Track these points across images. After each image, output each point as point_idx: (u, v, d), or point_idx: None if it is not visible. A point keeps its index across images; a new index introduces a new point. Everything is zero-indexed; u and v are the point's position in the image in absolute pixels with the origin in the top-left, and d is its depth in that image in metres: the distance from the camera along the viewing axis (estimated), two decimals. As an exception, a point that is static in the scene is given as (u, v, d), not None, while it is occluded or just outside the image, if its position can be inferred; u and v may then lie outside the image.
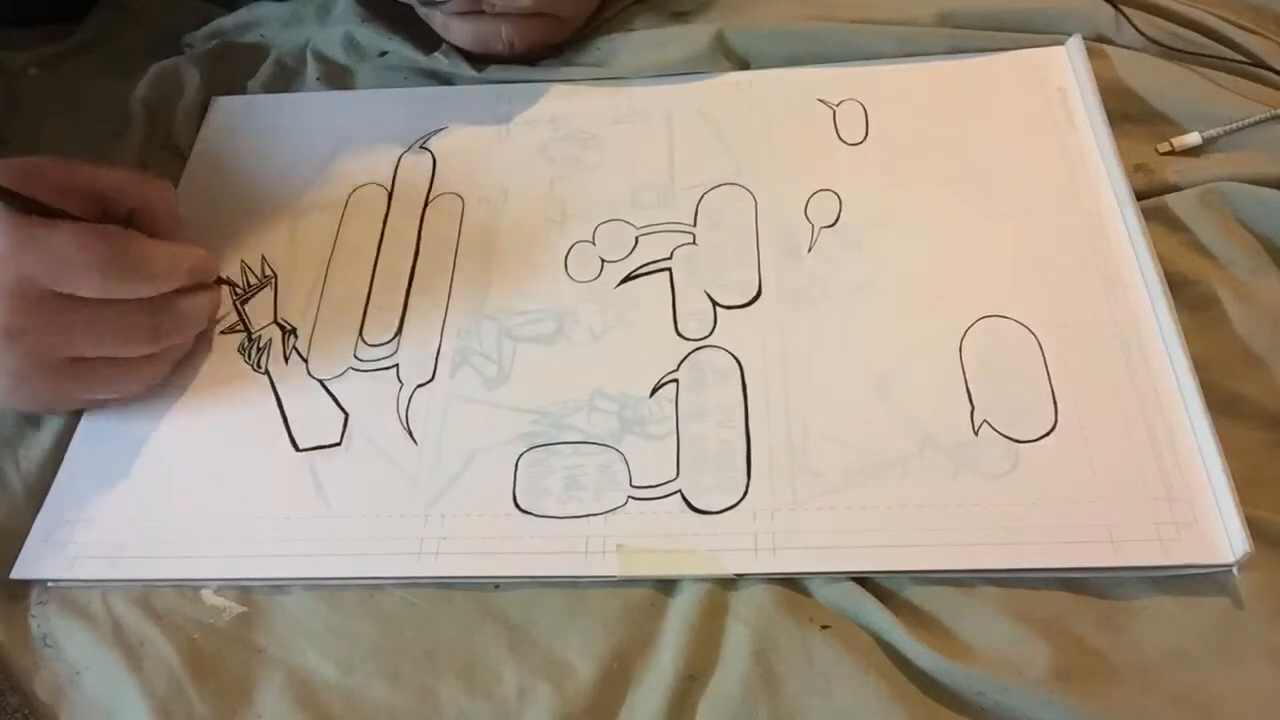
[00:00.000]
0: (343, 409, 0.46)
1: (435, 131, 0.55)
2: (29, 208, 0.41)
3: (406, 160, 0.55)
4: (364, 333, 0.48)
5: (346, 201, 0.53)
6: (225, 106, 0.58)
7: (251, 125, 0.57)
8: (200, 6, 0.64)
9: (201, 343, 0.49)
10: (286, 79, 0.59)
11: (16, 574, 0.43)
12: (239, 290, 0.50)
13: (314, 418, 0.46)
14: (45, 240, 0.40)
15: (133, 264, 0.42)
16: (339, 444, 0.45)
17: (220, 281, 0.50)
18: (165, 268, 0.43)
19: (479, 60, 0.57)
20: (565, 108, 0.55)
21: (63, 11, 0.62)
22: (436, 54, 0.57)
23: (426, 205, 0.53)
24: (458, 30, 0.55)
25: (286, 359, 0.48)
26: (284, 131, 0.56)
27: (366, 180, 0.54)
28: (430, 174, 0.54)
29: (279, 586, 0.42)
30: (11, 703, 0.39)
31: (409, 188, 0.53)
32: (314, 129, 0.56)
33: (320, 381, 0.47)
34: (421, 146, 0.55)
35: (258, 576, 0.42)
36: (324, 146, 0.55)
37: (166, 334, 0.44)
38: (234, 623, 0.41)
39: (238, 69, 0.60)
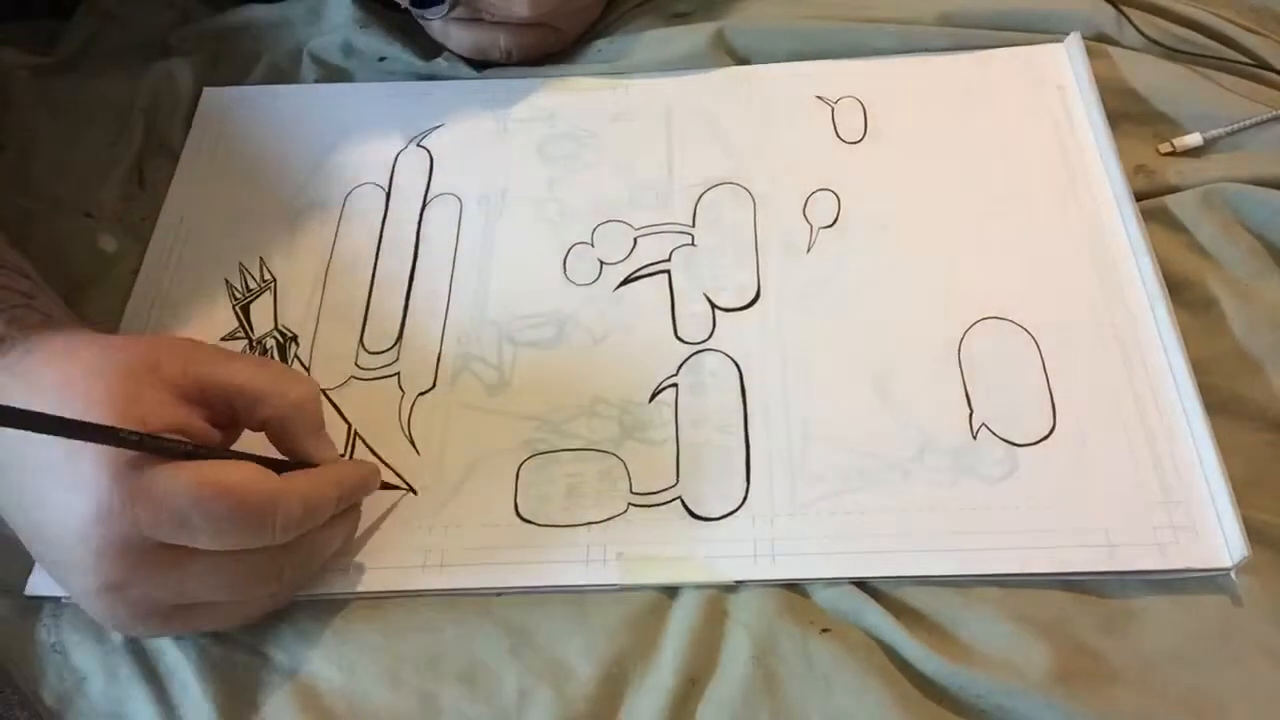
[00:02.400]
0: (346, 420, 0.46)
1: (432, 128, 0.55)
2: (140, 445, 0.35)
3: (404, 158, 0.54)
4: (364, 340, 0.48)
5: (344, 201, 0.53)
6: (217, 98, 0.57)
7: (244, 118, 0.56)
8: (184, 7, 0.63)
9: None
10: (281, 81, 0.59)
11: (30, 591, 0.42)
12: (238, 294, 0.50)
13: None
14: (157, 493, 0.34)
15: (259, 520, 0.36)
16: (344, 456, 0.45)
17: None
18: (297, 520, 0.37)
19: (479, 67, 0.57)
20: (563, 104, 0.55)
21: (50, 8, 0.62)
22: (437, 60, 0.57)
23: (425, 206, 0.52)
24: (456, 37, 0.55)
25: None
26: (278, 125, 0.56)
27: (364, 179, 0.54)
28: (428, 173, 0.54)
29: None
30: (20, 717, 0.40)
31: (407, 187, 0.53)
32: (309, 123, 0.56)
33: (324, 391, 0.46)
34: (419, 144, 0.55)
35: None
36: (319, 142, 0.55)
37: (292, 575, 0.39)
38: (240, 630, 0.41)
39: (231, 71, 0.59)
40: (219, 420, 0.39)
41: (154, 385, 0.37)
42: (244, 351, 0.48)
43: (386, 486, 0.43)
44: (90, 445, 0.34)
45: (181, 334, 0.49)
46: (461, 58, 0.56)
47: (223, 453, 0.38)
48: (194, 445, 0.36)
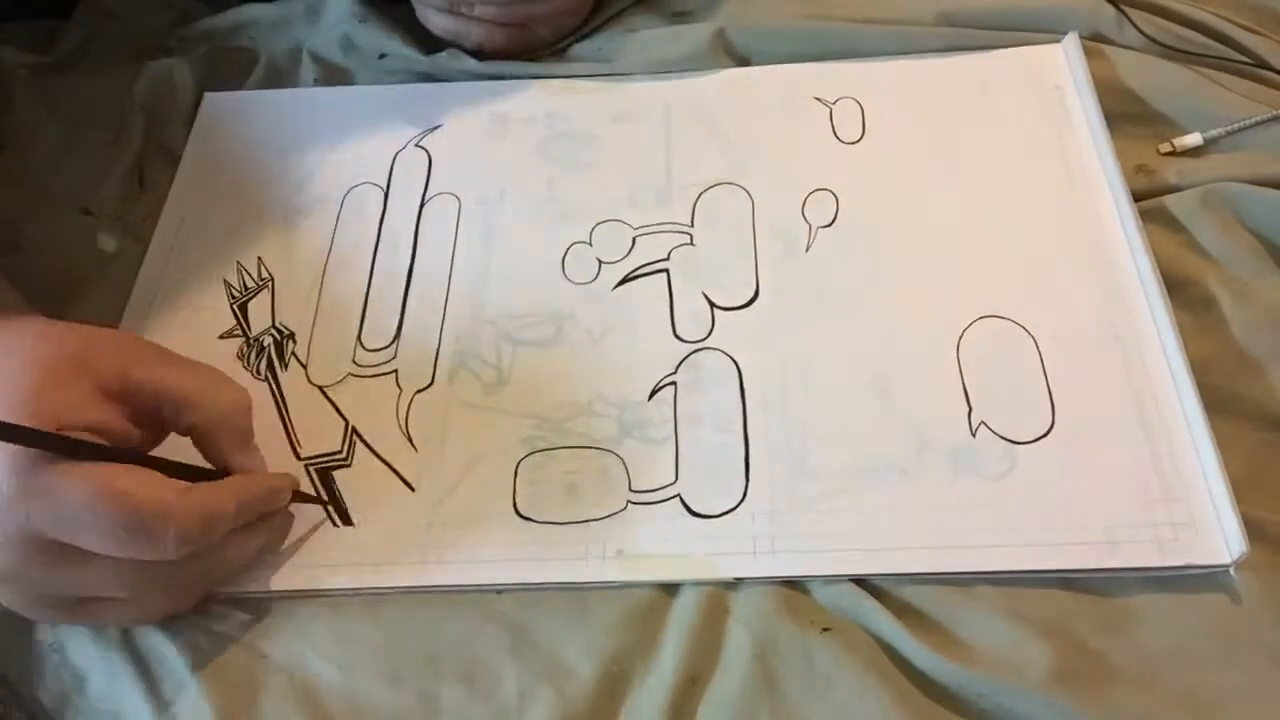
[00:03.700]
0: (343, 416, 0.46)
1: (431, 129, 0.55)
2: (54, 446, 0.35)
3: (402, 158, 0.54)
4: (362, 337, 0.48)
5: (342, 201, 0.53)
6: (217, 103, 0.58)
7: (244, 123, 0.56)
8: (183, 6, 0.63)
9: (201, 348, 0.48)
10: (280, 81, 0.59)
11: None
12: (236, 293, 0.50)
13: (315, 425, 0.46)
14: (55, 492, 0.34)
15: (150, 533, 0.35)
16: (340, 452, 0.45)
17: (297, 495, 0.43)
18: (196, 532, 0.36)
19: (482, 56, 0.57)
20: (561, 105, 0.55)
21: (49, 7, 0.62)
22: (438, 54, 0.57)
23: (423, 205, 0.52)
24: (434, 22, 0.56)
25: (285, 364, 0.48)
26: (278, 129, 0.56)
27: (362, 179, 0.54)
28: (426, 173, 0.54)
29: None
30: (17, 718, 0.39)
31: (405, 187, 0.53)
32: (308, 126, 0.56)
33: (320, 388, 0.47)
34: (417, 145, 0.55)
35: (260, 590, 0.42)
36: (318, 144, 0.55)
37: (192, 585, 0.40)
38: (238, 628, 0.41)
39: (230, 71, 0.59)
40: (145, 421, 0.38)
41: (79, 380, 0.36)
42: (241, 349, 0.48)
43: (302, 498, 0.43)
44: None
45: (180, 333, 0.49)
46: (465, 51, 0.56)
47: (135, 455, 0.37)
48: (105, 446, 0.36)
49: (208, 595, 0.41)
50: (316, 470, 0.44)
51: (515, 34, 0.56)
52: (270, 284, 0.50)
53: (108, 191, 0.54)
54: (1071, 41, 0.52)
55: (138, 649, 0.41)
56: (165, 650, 0.41)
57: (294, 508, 0.43)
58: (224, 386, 0.40)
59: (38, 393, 0.35)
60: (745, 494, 0.42)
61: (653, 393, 0.45)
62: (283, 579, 0.42)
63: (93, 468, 0.35)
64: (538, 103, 0.55)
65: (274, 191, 0.54)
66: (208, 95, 0.58)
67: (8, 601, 0.38)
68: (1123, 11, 0.53)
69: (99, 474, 0.35)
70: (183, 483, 0.37)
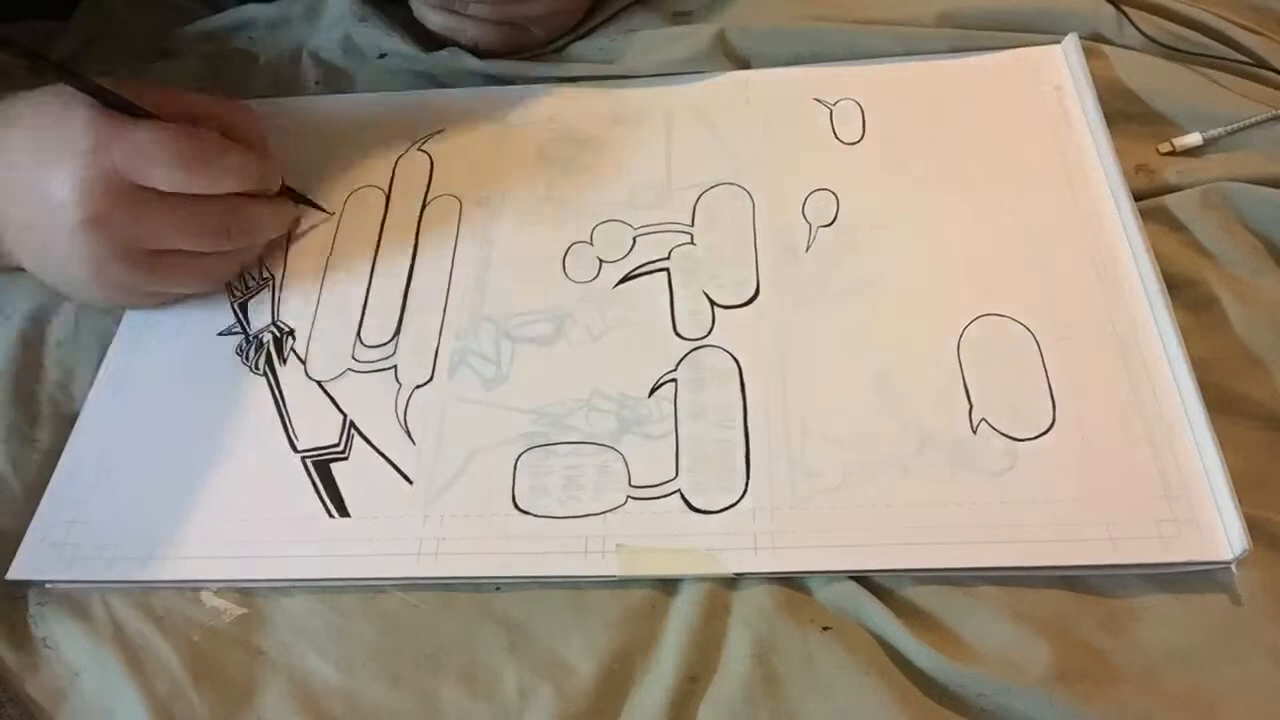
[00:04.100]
0: (341, 410, 0.46)
1: (433, 134, 0.56)
2: (118, 105, 0.44)
3: (404, 162, 0.55)
4: (362, 334, 0.48)
5: (344, 204, 0.53)
6: None
7: None
8: (183, 6, 0.64)
9: (200, 345, 0.49)
10: (280, 83, 0.59)
11: (13, 575, 0.43)
12: (237, 292, 0.50)
13: (313, 419, 0.46)
14: (130, 136, 0.43)
15: (208, 161, 0.45)
16: (337, 445, 0.45)
17: (285, 191, 0.51)
18: (237, 168, 0.46)
19: (482, 54, 0.57)
20: (562, 109, 0.55)
21: (49, 7, 0.62)
22: (439, 52, 0.57)
23: (424, 206, 0.53)
24: (430, 19, 0.56)
25: (284, 360, 0.48)
26: (281, 135, 0.56)
27: (364, 183, 0.54)
28: (428, 176, 0.54)
29: (279, 588, 0.42)
30: (11, 714, 0.39)
31: (407, 189, 0.53)
32: (311, 132, 0.56)
33: (318, 383, 0.47)
34: (419, 148, 0.55)
35: (256, 578, 0.42)
36: (321, 149, 0.56)
37: (237, 234, 0.47)
38: (234, 624, 0.41)
39: (230, 72, 0.60)
40: None
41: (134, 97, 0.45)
42: (239, 347, 0.49)
43: (296, 198, 0.52)
44: (78, 108, 0.43)
45: (179, 332, 0.50)
46: (464, 48, 0.57)
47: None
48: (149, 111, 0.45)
49: (200, 586, 0.42)
50: (314, 463, 0.44)
51: (509, 33, 0.56)
52: (271, 283, 0.51)
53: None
54: (1071, 42, 0.52)
55: (132, 645, 0.41)
56: (160, 647, 0.41)
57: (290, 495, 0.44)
58: (235, 105, 0.51)
59: (100, 111, 0.44)
60: (746, 490, 0.42)
61: (653, 389, 0.45)
62: (280, 568, 0.42)
63: (159, 121, 0.45)
64: (539, 108, 0.56)
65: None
66: None
67: (89, 256, 0.44)
68: (1122, 11, 0.53)
69: (164, 123, 0.45)
70: None
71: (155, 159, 0.43)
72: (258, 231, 0.49)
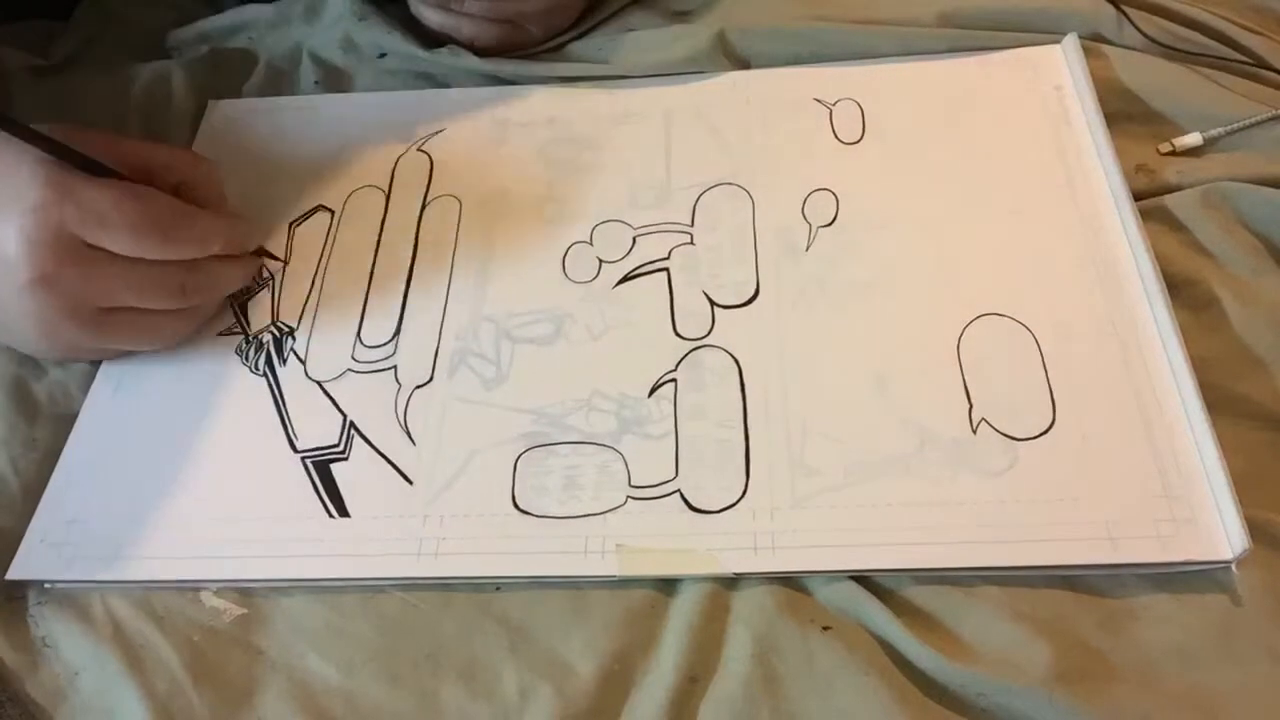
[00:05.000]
0: (341, 410, 0.46)
1: (433, 134, 0.55)
2: (75, 162, 0.43)
3: (404, 162, 0.55)
4: (362, 334, 0.48)
5: (344, 203, 0.53)
6: (222, 110, 0.58)
7: (248, 128, 0.57)
8: (183, 6, 0.64)
9: (199, 345, 0.49)
10: (280, 83, 0.59)
11: (12, 574, 0.42)
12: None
13: (312, 419, 0.46)
14: (84, 195, 0.42)
15: (165, 228, 0.43)
16: (337, 445, 0.45)
17: (259, 252, 0.51)
18: (198, 236, 0.45)
19: (479, 52, 0.57)
20: (562, 110, 0.55)
21: (48, 8, 0.62)
22: (439, 50, 0.57)
23: (424, 207, 0.53)
24: (427, 17, 0.56)
25: (284, 360, 0.48)
26: (281, 134, 0.56)
27: (364, 182, 0.54)
28: (428, 176, 0.54)
29: (279, 588, 0.42)
30: (10, 714, 0.39)
31: (406, 189, 0.53)
32: (311, 132, 0.56)
33: (318, 383, 0.47)
34: (419, 149, 0.55)
35: (256, 578, 0.42)
36: (321, 149, 0.56)
37: (193, 293, 0.46)
38: (234, 624, 0.41)
39: (230, 72, 0.60)
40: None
41: (88, 148, 0.43)
42: (239, 347, 0.49)
43: (267, 254, 0.51)
44: (26, 158, 0.42)
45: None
46: (464, 46, 0.57)
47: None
48: (114, 169, 0.44)
49: (200, 586, 0.42)
50: (314, 463, 0.44)
51: (506, 30, 0.56)
52: (270, 283, 0.51)
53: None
54: (1071, 42, 0.52)
55: (131, 644, 0.41)
56: (160, 646, 0.41)
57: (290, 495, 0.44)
58: (193, 156, 0.49)
59: (51, 164, 0.42)
60: (746, 490, 0.42)
61: (653, 389, 0.45)
62: (280, 568, 0.42)
63: (115, 180, 0.43)
64: (538, 107, 0.56)
65: (275, 194, 0.54)
66: (212, 102, 0.58)
67: (38, 314, 0.42)
68: (1122, 11, 0.53)
69: (123, 183, 0.43)
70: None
71: (108, 222, 0.42)
72: (215, 288, 0.48)
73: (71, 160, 0.42)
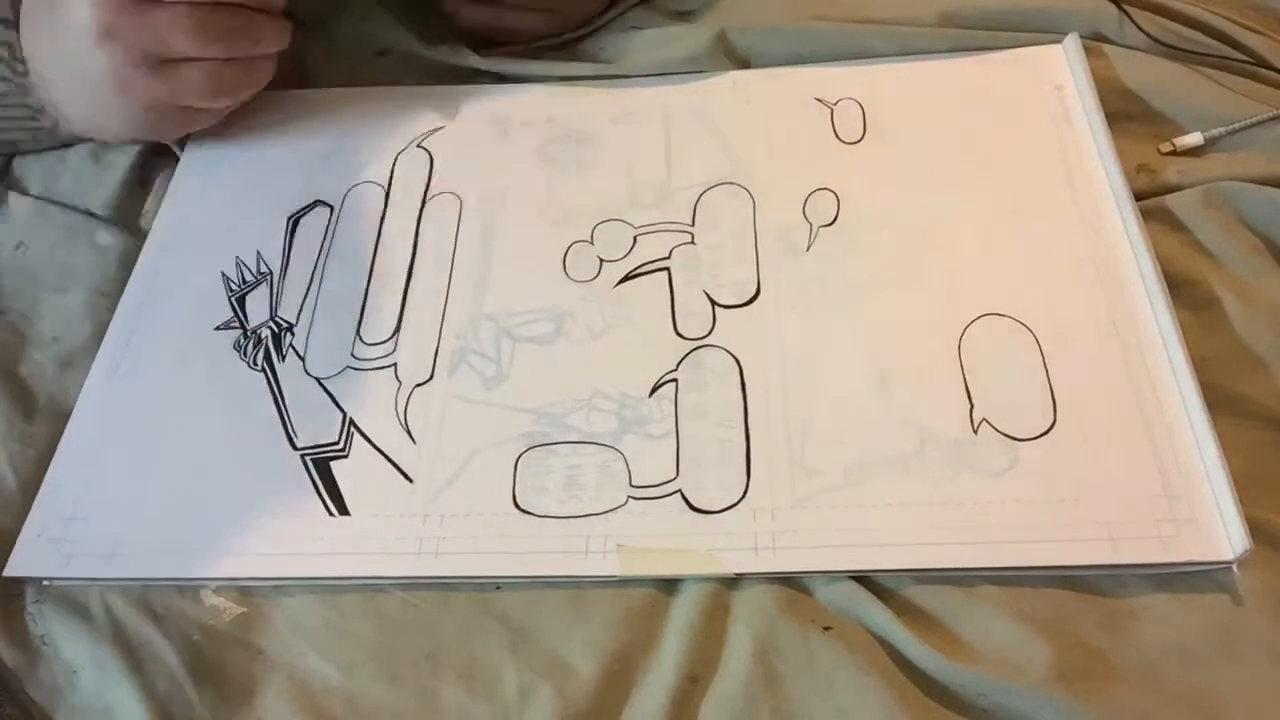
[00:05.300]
0: (340, 407, 0.46)
1: (433, 131, 0.55)
2: None
3: (404, 159, 0.55)
4: (361, 331, 0.48)
5: (343, 199, 0.53)
6: None
7: (246, 123, 0.56)
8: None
9: (197, 338, 0.48)
10: (280, 79, 0.59)
11: (10, 571, 0.42)
12: (234, 286, 0.50)
13: (312, 416, 0.46)
14: None
15: None
16: (337, 443, 0.45)
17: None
18: None
19: (482, 49, 0.57)
20: (563, 108, 0.55)
21: None
22: (440, 47, 0.57)
23: (424, 204, 0.52)
24: (467, 12, 0.56)
25: (283, 356, 0.48)
26: (280, 129, 0.56)
27: (363, 179, 0.54)
28: (428, 173, 0.54)
29: (279, 587, 0.42)
30: (9, 713, 0.39)
31: (406, 186, 0.53)
32: (310, 126, 0.56)
33: (317, 380, 0.47)
34: (419, 146, 0.55)
35: (255, 576, 0.42)
36: (320, 144, 0.55)
37: (238, 41, 0.49)
38: (234, 623, 0.41)
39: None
40: None
41: None
42: (237, 341, 0.48)
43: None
44: None
45: (176, 324, 0.49)
46: (464, 43, 0.57)
47: None
48: None
49: (199, 584, 0.42)
50: (313, 460, 0.44)
51: (544, 18, 0.57)
52: (269, 278, 0.50)
53: (108, 189, 0.54)
54: (1072, 42, 0.52)
55: (130, 643, 0.41)
56: (160, 645, 0.41)
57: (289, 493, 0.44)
58: None
59: None
60: (746, 490, 0.42)
61: (654, 389, 0.45)
62: (279, 566, 0.42)
63: None
64: (539, 106, 0.56)
65: (274, 189, 0.54)
66: None
67: (109, 66, 0.46)
68: (1124, 11, 0.53)
69: None
70: None
71: None
72: (257, 40, 0.50)
73: None
